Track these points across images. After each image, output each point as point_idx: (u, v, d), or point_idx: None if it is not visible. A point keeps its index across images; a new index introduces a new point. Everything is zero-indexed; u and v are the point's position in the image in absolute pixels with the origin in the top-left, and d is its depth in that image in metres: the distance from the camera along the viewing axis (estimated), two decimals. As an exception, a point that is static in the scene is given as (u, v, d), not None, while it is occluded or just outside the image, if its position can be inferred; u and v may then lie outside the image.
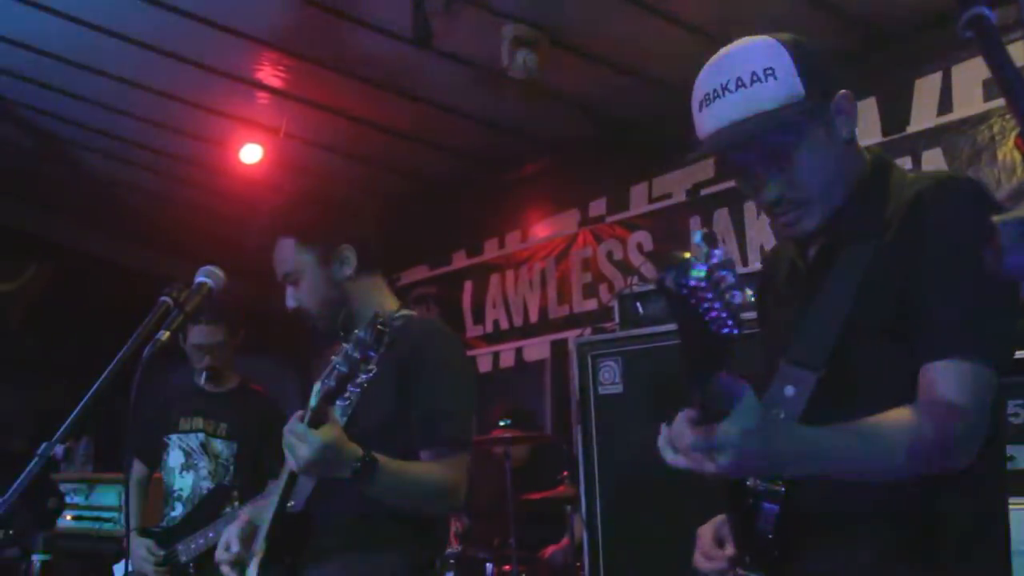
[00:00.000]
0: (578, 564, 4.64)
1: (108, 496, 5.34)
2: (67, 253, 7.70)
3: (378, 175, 6.64)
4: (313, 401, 2.12)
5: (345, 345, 2.06)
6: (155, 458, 4.09)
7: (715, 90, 1.66)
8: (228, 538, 2.44)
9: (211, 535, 3.74)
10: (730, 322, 1.15)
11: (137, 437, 4.10)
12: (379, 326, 2.00)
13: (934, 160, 4.63)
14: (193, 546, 3.78)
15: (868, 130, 4.90)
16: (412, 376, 2.33)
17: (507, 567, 4.77)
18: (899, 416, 1.49)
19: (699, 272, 1.11)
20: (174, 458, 4.05)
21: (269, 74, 5.59)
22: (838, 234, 1.68)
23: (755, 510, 1.62)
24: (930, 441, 1.46)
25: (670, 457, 1.38)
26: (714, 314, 1.14)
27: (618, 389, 3.97)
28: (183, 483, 4.01)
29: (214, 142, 6.24)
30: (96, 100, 6.02)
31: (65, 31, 5.14)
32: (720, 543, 1.82)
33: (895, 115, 4.81)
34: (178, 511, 3.96)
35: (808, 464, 1.43)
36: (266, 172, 6.20)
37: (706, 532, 1.83)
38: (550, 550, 5.09)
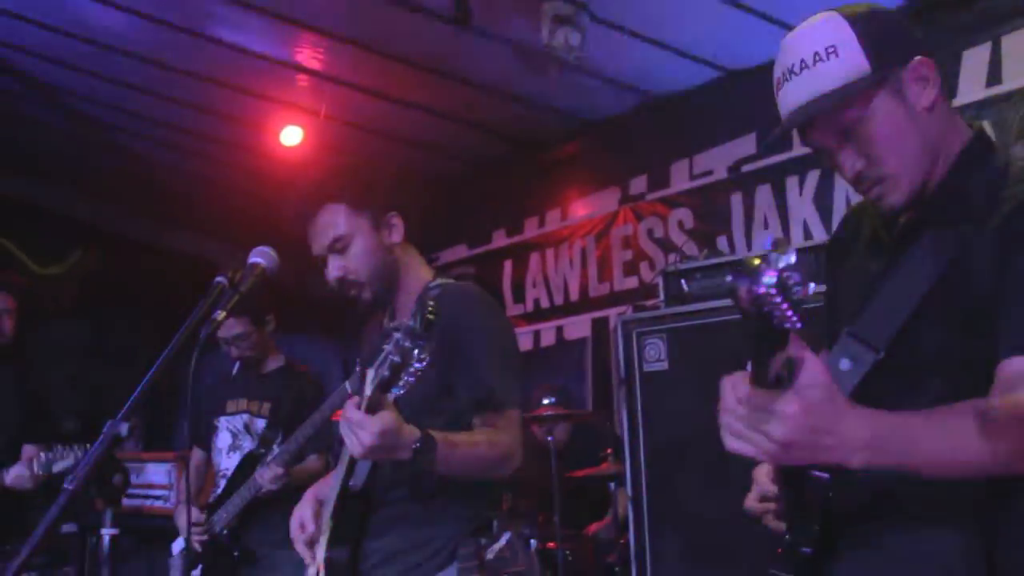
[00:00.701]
0: (622, 540, 4.66)
1: (157, 475, 5.44)
2: (112, 237, 7.81)
3: (418, 155, 6.66)
4: (368, 389, 2.14)
5: (395, 334, 2.06)
6: (209, 442, 4.17)
7: (783, 74, 1.66)
8: (302, 518, 2.47)
9: (237, 500, 3.85)
10: (795, 317, 1.17)
11: (191, 424, 4.20)
12: (429, 314, 2.02)
13: (981, 133, 4.57)
14: (224, 515, 3.88)
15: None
16: (453, 345, 2.33)
17: (551, 544, 4.80)
18: (976, 411, 1.41)
19: (770, 279, 1.14)
20: (222, 439, 4.15)
21: (309, 56, 5.62)
22: (930, 210, 1.63)
23: (806, 478, 1.60)
24: (1008, 439, 1.39)
25: (727, 441, 1.34)
26: (779, 313, 1.16)
27: (663, 366, 3.97)
28: (230, 463, 4.10)
29: (255, 125, 6.28)
30: (139, 86, 6.09)
31: (109, 19, 5.20)
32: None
33: (941, 87, 4.74)
34: (222, 488, 4.05)
35: (877, 455, 1.34)
36: (307, 154, 6.24)
37: (762, 472, 1.81)
38: (594, 527, 5.11)
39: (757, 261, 1.15)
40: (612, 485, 4.84)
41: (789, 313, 1.16)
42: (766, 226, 5.37)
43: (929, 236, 1.60)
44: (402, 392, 2.18)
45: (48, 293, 7.46)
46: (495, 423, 2.34)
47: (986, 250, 1.52)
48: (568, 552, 4.77)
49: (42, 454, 3.90)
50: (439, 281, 2.49)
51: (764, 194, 5.44)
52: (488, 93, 5.90)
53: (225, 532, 3.89)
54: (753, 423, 1.30)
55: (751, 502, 1.81)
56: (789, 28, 1.72)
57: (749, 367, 1.30)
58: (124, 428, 1.91)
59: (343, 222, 2.45)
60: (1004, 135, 4.90)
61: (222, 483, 4.07)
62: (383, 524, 2.38)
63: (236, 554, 3.86)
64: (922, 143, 1.62)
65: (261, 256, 2.31)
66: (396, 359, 2.04)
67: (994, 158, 1.65)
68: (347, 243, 2.45)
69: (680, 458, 3.88)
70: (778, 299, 1.14)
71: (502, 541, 2.35)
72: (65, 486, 1.81)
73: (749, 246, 5.43)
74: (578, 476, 4.89)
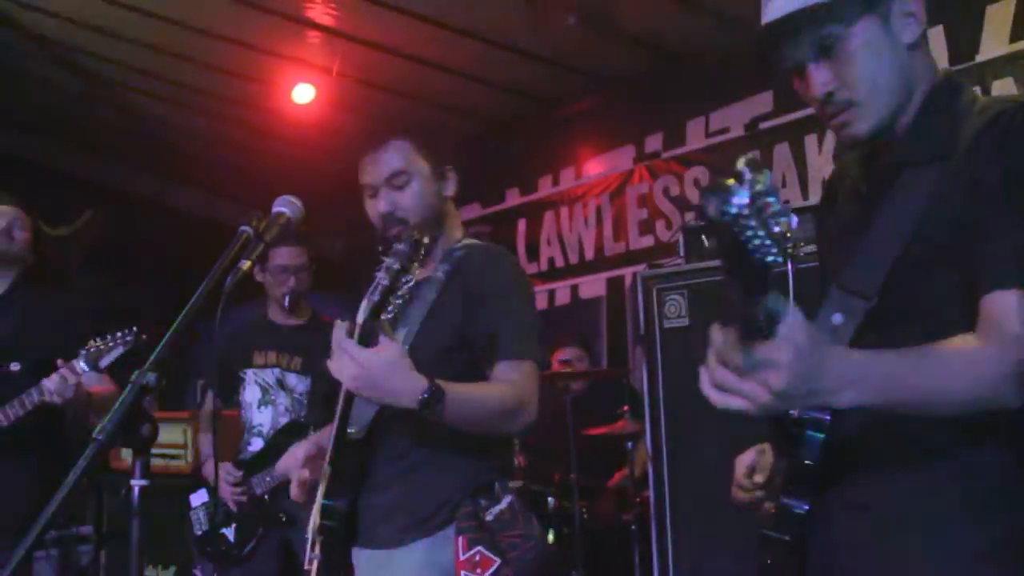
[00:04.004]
0: (639, 499, 4.66)
1: (173, 433, 5.42)
2: (121, 197, 7.77)
3: (431, 113, 6.59)
4: (361, 316, 2.14)
5: (386, 259, 2.10)
6: (228, 393, 4.13)
7: None
8: (298, 455, 2.46)
9: (282, 472, 3.79)
10: (774, 250, 1.12)
11: (213, 372, 4.17)
12: (416, 236, 2.09)
13: (1004, 90, 4.51)
14: (268, 479, 3.84)
15: (935, 59, 4.76)
16: (476, 299, 2.33)
17: (568, 502, 4.79)
18: (963, 345, 1.43)
19: (742, 199, 1.08)
20: (251, 393, 4.09)
21: (320, 12, 5.55)
22: (901, 153, 1.61)
23: (799, 439, 1.59)
24: (995, 371, 1.41)
25: (714, 396, 1.31)
26: (757, 242, 1.10)
27: (684, 323, 3.95)
28: (262, 418, 4.05)
29: (266, 83, 6.22)
30: (148, 43, 6.03)
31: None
32: (751, 472, 1.80)
33: (964, 43, 4.67)
34: (256, 445, 4.02)
35: (863, 391, 1.35)
36: (319, 112, 6.19)
37: (740, 461, 1.81)
38: (617, 477, 5.08)
39: (731, 181, 1.09)
40: (629, 445, 4.82)
41: (768, 243, 1.10)
42: (784, 184, 5.32)
43: (904, 178, 1.59)
44: (391, 316, 2.21)
45: (57, 254, 7.43)
46: (510, 375, 2.29)
47: (958, 184, 1.51)
48: (584, 510, 4.76)
49: (83, 350, 3.27)
50: (466, 241, 2.48)
51: (782, 152, 5.38)
52: (503, 50, 5.82)
53: (266, 496, 3.85)
54: (746, 373, 1.27)
55: (735, 493, 1.80)
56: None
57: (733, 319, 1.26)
58: (152, 378, 1.89)
59: (406, 158, 2.41)
60: (1025, 91, 4.72)
61: (256, 441, 4.02)
62: (385, 479, 2.35)
63: (283, 518, 3.83)
64: (898, 77, 1.60)
65: (286, 205, 2.28)
66: (386, 282, 2.10)
67: (961, 97, 1.63)
68: (406, 181, 2.40)
69: (700, 415, 3.86)
70: (752, 222, 1.09)
71: (503, 503, 2.30)
72: (94, 436, 1.79)
73: (768, 205, 5.38)
74: (595, 434, 4.87)
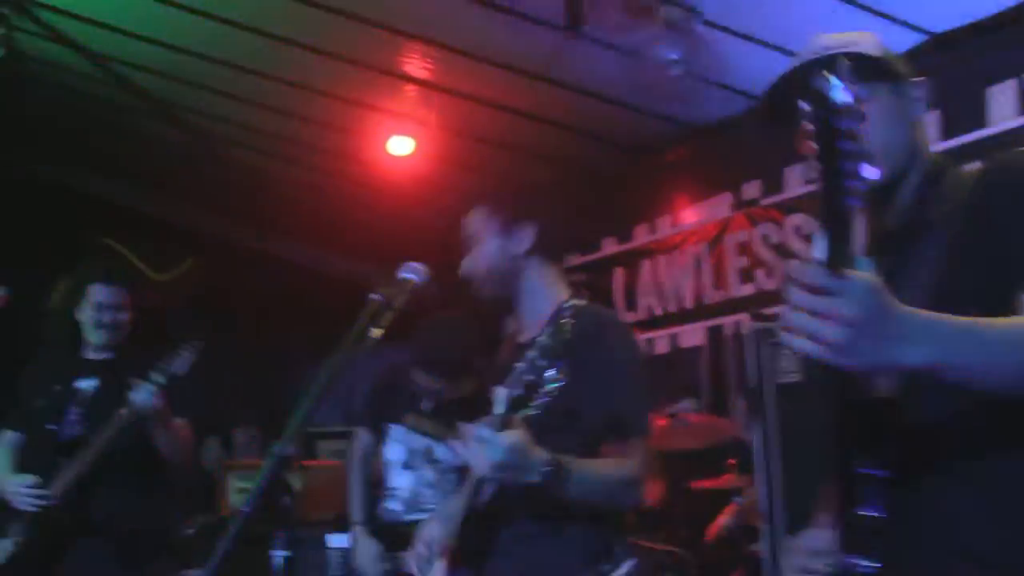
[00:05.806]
0: (744, 553, 4.57)
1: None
2: (221, 246, 7.97)
3: (527, 163, 6.63)
4: (500, 408, 2.14)
5: (529, 352, 2.10)
6: (379, 435, 4.04)
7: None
8: (431, 535, 2.48)
9: None
10: (864, 167, 1.22)
11: (370, 409, 4.12)
12: (564, 334, 2.08)
13: None
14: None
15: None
16: (584, 368, 2.27)
17: (676, 557, 4.72)
18: None
19: (846, 97, 1.19)
20: (394, 452, 3.96)
21: (417, 67, 5.64)
22: (912, 217, 1.72)
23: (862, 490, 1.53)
24: None
25: (787, 338, 1.32)
26: (851, 147, 1.20)
27: (797, 378, 3.87)
28: (402, 481, 3.93)
29: (363, 135, 6.32)
30: (246, 98, 6.22)
31: (213, 32, 5.31)
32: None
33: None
34: (393, 507, 3.92)
35: (932, 348, 1.33)
36: (417, 164, 6.27)
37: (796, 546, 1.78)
38: (714, 530, 4.98)
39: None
40: (736, 499, 4.73)
41: (859, 157, 1.20)
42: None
43: (919, 241, 1.68)
44: (538, 413, 2.19)
45: (162, 299, 7.62)
46: (623, 451, 2.32)
47: (977, 239, 1.61)
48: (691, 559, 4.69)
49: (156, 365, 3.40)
50: (573, 302, 2.46)
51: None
52: (597, 99, 5.83)
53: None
54: (823, 306, 1.26)
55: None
56: (906, 25, 1.78)
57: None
58: (291, 450, 1.91)
59: (476, 223, 2.57)
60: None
61: (395, 504, 3.91)
62: (506, 547, 2.37)
63: None
64: (906, 145, 1.74)
65: (412, 272, 2.32)
66: (530, 377, 2.09)
67: (949, 174, 1.76)
68: (476, 241, 2.56)
69: (814, 472, 3.76)
70: (855, 125, 1.19)
71: (623, 568, 2.31)
72: (241, 508, 1.82)
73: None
74: (702, 488, 4.79)
